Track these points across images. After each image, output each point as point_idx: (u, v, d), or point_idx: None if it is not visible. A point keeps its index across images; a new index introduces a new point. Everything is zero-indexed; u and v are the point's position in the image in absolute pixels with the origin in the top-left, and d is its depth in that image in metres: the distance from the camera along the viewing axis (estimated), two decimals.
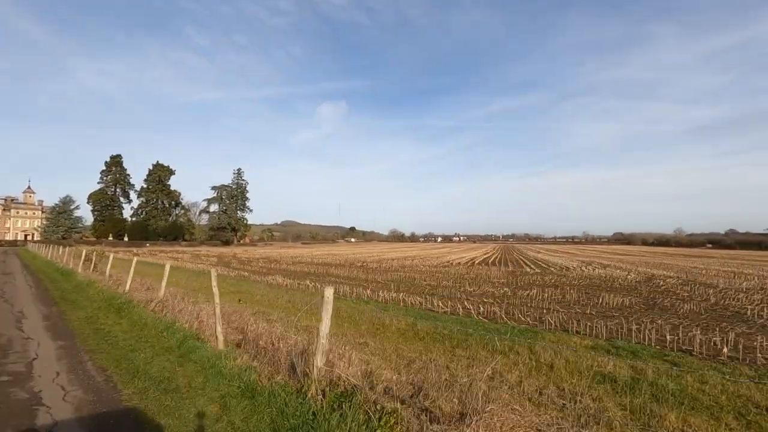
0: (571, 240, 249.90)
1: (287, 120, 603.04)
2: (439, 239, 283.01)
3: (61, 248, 28.04)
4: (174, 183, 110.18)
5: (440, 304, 13.57)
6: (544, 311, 12.83)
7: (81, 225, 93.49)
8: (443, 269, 32.00)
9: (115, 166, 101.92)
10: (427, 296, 15.45)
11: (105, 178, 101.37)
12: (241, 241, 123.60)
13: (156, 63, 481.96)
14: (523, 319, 11.65)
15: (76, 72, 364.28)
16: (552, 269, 31.89)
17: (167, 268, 11.00)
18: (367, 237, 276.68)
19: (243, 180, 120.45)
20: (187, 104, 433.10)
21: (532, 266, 35.11)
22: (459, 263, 40.23)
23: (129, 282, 12.50)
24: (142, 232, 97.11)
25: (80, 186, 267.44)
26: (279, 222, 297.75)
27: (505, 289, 18.55)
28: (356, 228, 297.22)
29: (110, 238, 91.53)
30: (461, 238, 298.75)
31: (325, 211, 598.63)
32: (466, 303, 14.00)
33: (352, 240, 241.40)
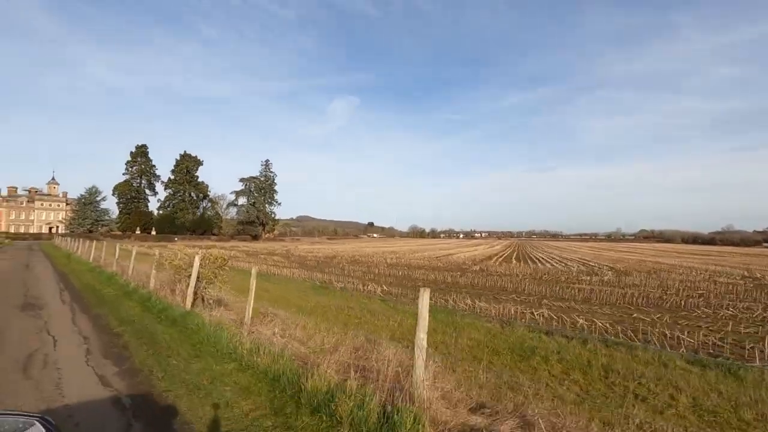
0: (593, 237, 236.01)
1: (300, 114, 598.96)
2: (461, 236, 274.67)
3: (116, 246, 21.79)
4: (200, 175, 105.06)
5: None
6: None
7: (108, 217, 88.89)
8: (565, 274, 25.35)
9: (140, 156, 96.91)
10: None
11: (130, 169, 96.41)
12: (267, 236, 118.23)
13: (164, 56, 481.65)
14: None
15: (86, 65, 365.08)
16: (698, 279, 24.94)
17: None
18: (386, 233, 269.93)
19: (271, 172, 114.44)
20: (198, 98, 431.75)
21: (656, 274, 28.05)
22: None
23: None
24: (169, 226, 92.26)
25: (105, 180, 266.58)
26: (294, 217, 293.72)
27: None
28: (374, 224, 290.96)
29: (137, 232, 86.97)
30: (482, 234, 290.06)
31: (339, 206, 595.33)
32: None
33: (375, 236, 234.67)
